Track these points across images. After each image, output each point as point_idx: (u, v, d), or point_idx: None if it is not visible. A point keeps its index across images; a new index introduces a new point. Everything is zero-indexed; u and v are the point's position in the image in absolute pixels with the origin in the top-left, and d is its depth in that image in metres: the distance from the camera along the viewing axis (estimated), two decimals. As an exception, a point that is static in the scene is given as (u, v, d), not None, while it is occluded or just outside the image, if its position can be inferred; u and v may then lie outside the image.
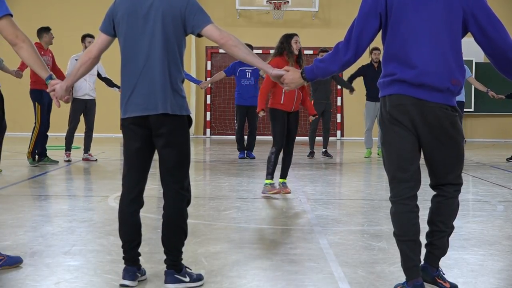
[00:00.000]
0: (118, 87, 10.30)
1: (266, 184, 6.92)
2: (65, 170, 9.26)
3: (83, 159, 10.31)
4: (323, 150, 11.56)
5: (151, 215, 5.44)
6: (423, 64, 3.19)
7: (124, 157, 3.63)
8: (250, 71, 10.99)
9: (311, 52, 16.79)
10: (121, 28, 3.54)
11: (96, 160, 10.38)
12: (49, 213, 5.83)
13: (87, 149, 10.36)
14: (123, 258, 3.61)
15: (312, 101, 11.25)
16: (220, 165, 10.21)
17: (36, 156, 9.47)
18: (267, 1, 16.60)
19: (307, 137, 11.82)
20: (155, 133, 3.52)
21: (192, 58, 17.08)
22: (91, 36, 10.21)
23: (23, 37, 3.69)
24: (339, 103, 17.63)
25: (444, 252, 3.43)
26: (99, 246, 4.51)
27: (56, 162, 9.72)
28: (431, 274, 3.42)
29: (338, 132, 17.72)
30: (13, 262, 3.90)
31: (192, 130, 4.35)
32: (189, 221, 3.62)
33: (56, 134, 16.17)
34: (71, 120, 10.15)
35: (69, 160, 10.05)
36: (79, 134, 10.31)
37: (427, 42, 3.20)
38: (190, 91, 16.84)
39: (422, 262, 3.40)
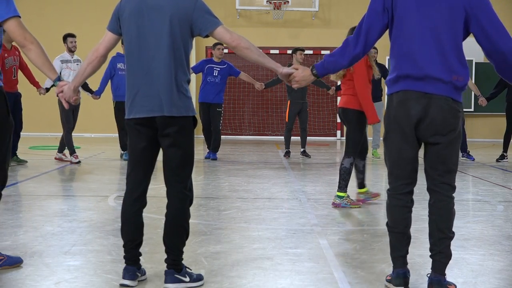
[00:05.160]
0: (91, 92, 10.36)
1: (345, 197, 6.26)
2: (65, 170, 9.26)
3: (56, 159, 10.22)
4: (302, 150, 11.48)
5: (151, 215, 5.44)
6: (426, 60, 3.27)
7: (129, 157, 3.63)
8: (218, 69, 10.89)
9: (311, 52, 16.80)
10: (127, 28, 3.52)
11: (71, 161, 10.08)
12: (49, 213, 5.83)
13: (62, 149, 10.28)
14: (124, 257, 3.61)
15: (289, 101, 11.25)
16: (220, 165, 10.21)
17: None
18: (267, 1, 16.60)
19: (282, 137, 11.77)
20: (161, 133, 3.51)
21: (192, 58, 17.09)
22: (73, 36, 10.20)
23: (31, 39, 3.68)
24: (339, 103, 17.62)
25: (450, 258, 3.45)
26: (99, 246, 4.51)
27: (24, 162, 9.59)
28: (444, 284, 3.41)
29: (338, 132, 17.73)
30: (13, 262, 3.90)
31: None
32: (189, 221, 3.62)
33: (57, 134, 16.17)
34: (65, 121, 9.93)
35: (79, 161, 9.96)
36: (75, 134, 10.20)
37: (429, 39, 3.27)
38: (191, 91, 16.84)
39: (433, 275, 3.42)
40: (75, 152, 10.03)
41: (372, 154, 11.68)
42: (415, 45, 3.29)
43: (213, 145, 10.96)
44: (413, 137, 3.36)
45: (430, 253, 3.45)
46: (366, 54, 5.99)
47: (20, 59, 9.49)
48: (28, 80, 9.74)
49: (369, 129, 11.72)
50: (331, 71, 3.53)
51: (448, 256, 3.42)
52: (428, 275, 3.46)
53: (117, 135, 10.81)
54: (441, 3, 3.27)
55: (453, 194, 3.44)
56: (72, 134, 10.06)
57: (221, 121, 11.14)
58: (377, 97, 11.54)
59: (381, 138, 4.58)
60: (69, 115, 9.89)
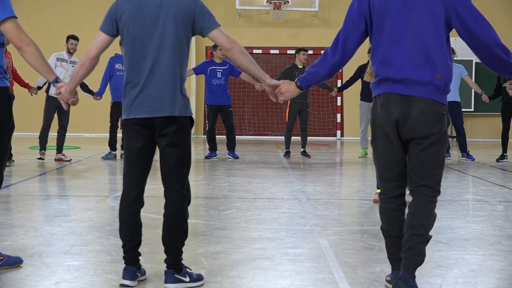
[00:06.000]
0: (92, 93, 10.47)
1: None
2: (65, 170, 9.26)
3: (56, 160, 10.24)
4: (302, 150, 11.47)
5: (151, 215, 5.44)
6: (404, 62, 3.26)
7: (125, 157, 3.62)
8: (221, 70, 11.01)
9: (311, 52, 16.80)
10: (127, 29, 3.49)
11: (70, 160, 10.26)
12: (49, 213, 5.83)
13: (60, 149, 10.29)
14: (123, 258, 3.60)
15: (289, 101, 11.24)
16: (220, 165, 10.21)
17: None
18: (267, 1, 16.61)
19: (282, 137, 11.78)
20: (159, 133, 3.51)
21: (192, 58, 17.08)
22: (76, 38, 10.28)
23: (28, 41, 3.63)
24: (339, 103, 17.64)
25: (421, 261, 3.26)
26: (99, 246, 4.51)
27: (12, 161, 9.61)
28: (410, 283, 3.21)
29: (338, 132, 17.74)
30: (13, 262, 3.89)
31: (192, 130, 4.34)
32: (189, 221, 3.62)
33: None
34: (44, 118, 10.08)
35: (41, 158, 10.06)
36: (75, 134, 10.27)
37: (408, 39, 3.27)
38: (191, 91, 16.84)
39: (401, 271, 3.23)
40: (44, 150, 10.17)
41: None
42: (394, 48, 3.29)
43: (231, 144, 11.22)
44: (396, 139, 3.33)
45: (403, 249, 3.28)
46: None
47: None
48: (19, 84, 9.70)
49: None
50: (313, 82, 3.58)
51: (419, 254, 3.21)
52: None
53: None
54: (419, 4, 3.27)
55: (436, 197, 3.32)
56: (72, 134, 10.11)
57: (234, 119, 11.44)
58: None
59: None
60: (50, 113, 10.02)
